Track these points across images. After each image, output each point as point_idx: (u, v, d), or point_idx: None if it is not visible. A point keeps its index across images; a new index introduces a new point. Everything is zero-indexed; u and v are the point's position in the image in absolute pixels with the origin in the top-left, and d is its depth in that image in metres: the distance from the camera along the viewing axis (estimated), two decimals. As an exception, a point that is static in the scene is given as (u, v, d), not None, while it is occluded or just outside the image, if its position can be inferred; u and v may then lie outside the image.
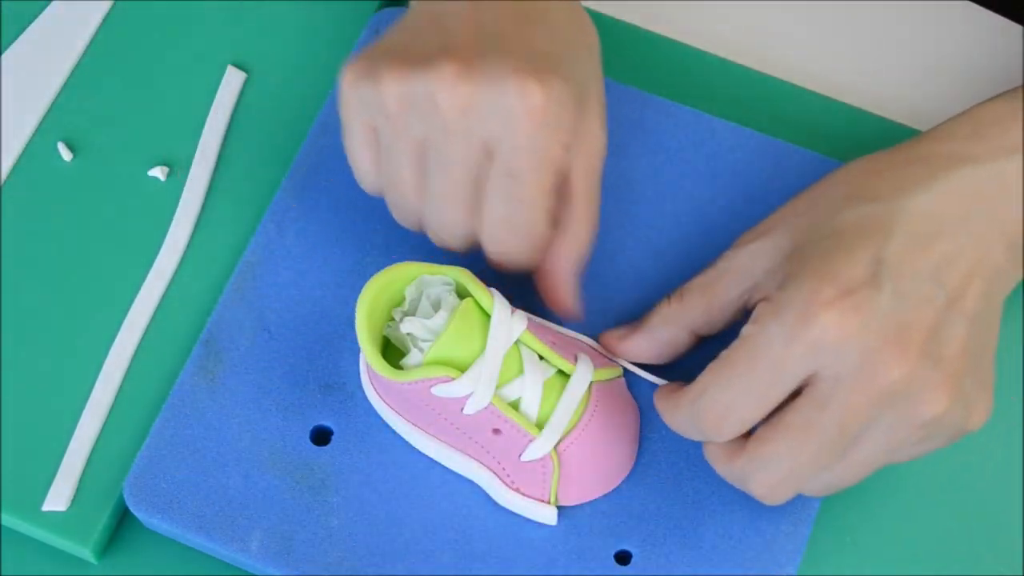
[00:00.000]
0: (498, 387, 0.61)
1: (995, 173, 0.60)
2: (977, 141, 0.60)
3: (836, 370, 0.56)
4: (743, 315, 0.62)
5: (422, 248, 0.69)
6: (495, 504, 0.64)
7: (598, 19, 0.76)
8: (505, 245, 0.63)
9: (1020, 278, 0.61)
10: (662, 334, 0.64)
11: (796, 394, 0.58)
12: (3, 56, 0.75)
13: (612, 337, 0.65)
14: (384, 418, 0.65)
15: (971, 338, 0.58)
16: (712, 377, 0.59)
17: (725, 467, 0.61)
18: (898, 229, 0.58)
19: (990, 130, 0.61)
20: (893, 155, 0.62)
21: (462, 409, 0.61)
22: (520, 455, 0.62)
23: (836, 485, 0.60)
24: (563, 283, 0.65)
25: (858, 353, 0.56)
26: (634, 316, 0.68)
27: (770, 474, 0.59)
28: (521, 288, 0.68)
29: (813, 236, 0.59)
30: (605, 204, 0.70)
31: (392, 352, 0.64)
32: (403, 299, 0.63)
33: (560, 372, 0.63)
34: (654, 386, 0.66)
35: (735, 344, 0.58)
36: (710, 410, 0.59)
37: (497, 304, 0.62)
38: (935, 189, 0.59)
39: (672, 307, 0.64)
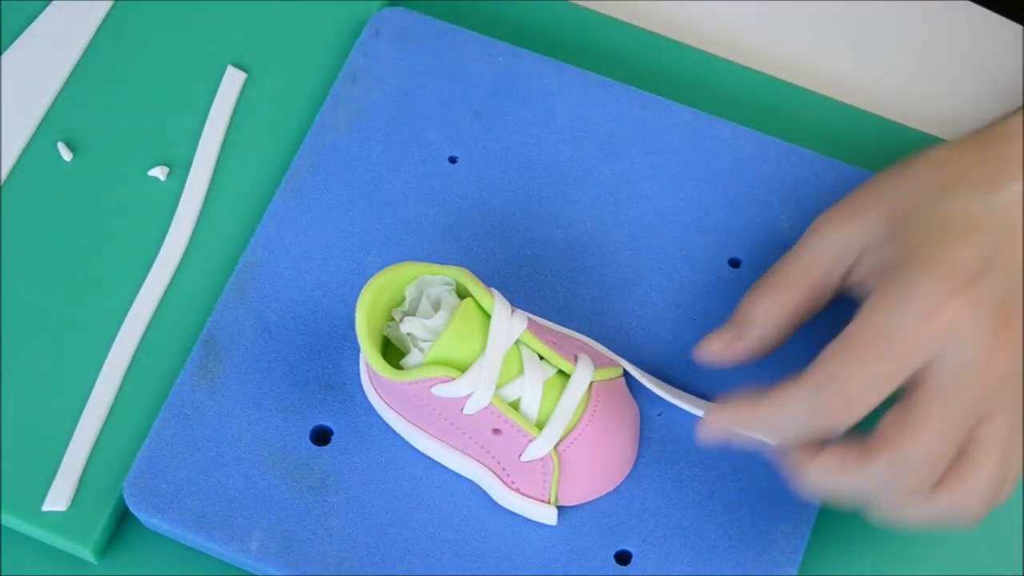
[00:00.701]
0: (498, 387, 0.61)
1: None
2: None
3: (957, 358, 0.57)
4: (838, 296, 0.62)
5: (422, 248, 0.69)
6: (495, 504, 0.64)
7: (597, 18, 0.76)
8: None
9: None
10: (770, 330, 0.63)
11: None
12: (3, 56, 0.75)
13: (711, 348, 0.63)
14: (384, 418, 0.65)
15: None
16: (833, 367, 0.57)
17: (856, 476, 0.58)
18: (997, 220, 0.59)
19: None
20: (973, 151, 0.61)
21: (462, 409, 0.61)
22: (520, 455, 0.62)
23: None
24: None
25: (976, 341, 0.57)
26: (633, 315, 0.68)
27: (916, 472, 0.58)
28: (521, 288, 0.69)
29: (915, 222, 0.59)
30: (605, 204, 0.70)
31: (392, 352, 0.64)
32: (403, 299, 0.63)
33: (560, 372, 0.63)
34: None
35: (853, 332, 0.58)
36: (837, 400, 0.57)
37: (497, 304, 0.62)
38: (1020, 188, 0.60)
39: (776, 299, 0.62)
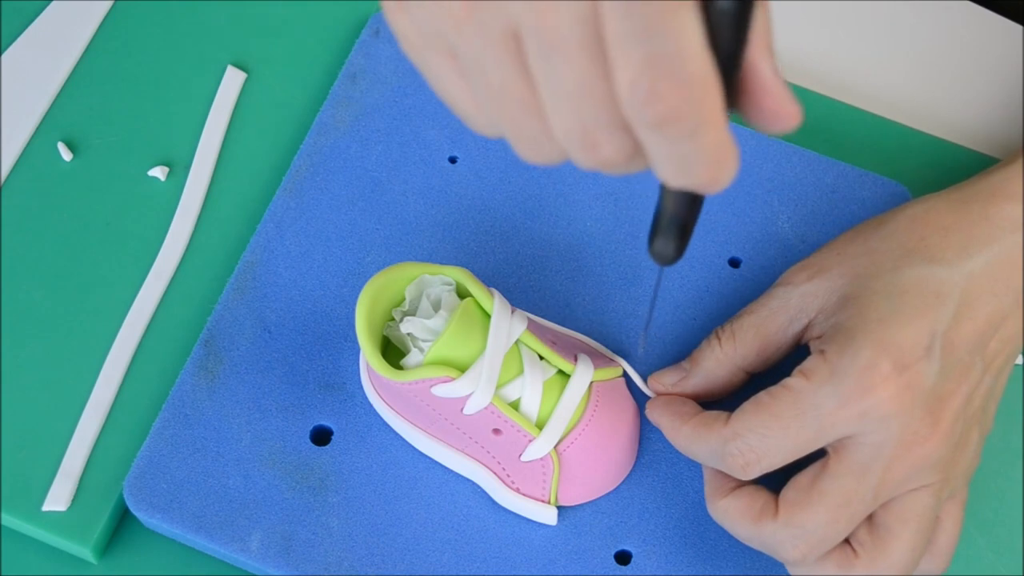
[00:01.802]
0: (498, 387, 0.61)
1: None
2: None
3: (878, 438, 0.57)
4: (794, 350, 0.63)
5: (422, 248, 0.69)
6: (495, 504, 0.64)
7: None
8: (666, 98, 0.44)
9: None
10: (717, 376, 0.64)
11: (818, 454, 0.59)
12: (3, 56, 0.75)
13: (662, 381, 0.64)
14: (384, 418, 0.65)
15: (993, 389, 0.61)
16: (751, 422, 0.58)
17: (750, 529, 0.59)
18: (955, 296, 0.59)
19: None
20: (952, 209, 0.61)
21: (462, 409, 0.61)
22: (520, 455, 0.62)
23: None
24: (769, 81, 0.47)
25: (901, 425, 0.57)
26: (633, 315, 0.68)
27: (806, 542, 0.58)
28: (521, 288, 0.69)
29: (871, 287, 0.59)
30: (605, 204, 0.70)
31: (392, 352, 0.64)
32: (403, 299, 0.63)
33: (560, 372, 0.63)
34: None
35: (780, 393, 0.58)
36: (743, 454, 0.58)
37: (497, 304, 0.62)
38: (993, 253, 0.60)
39: (724, 349, 0.63)
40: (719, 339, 0.63)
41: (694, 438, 0.61)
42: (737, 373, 0.64)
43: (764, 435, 0.58)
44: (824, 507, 0.58)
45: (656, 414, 0.63)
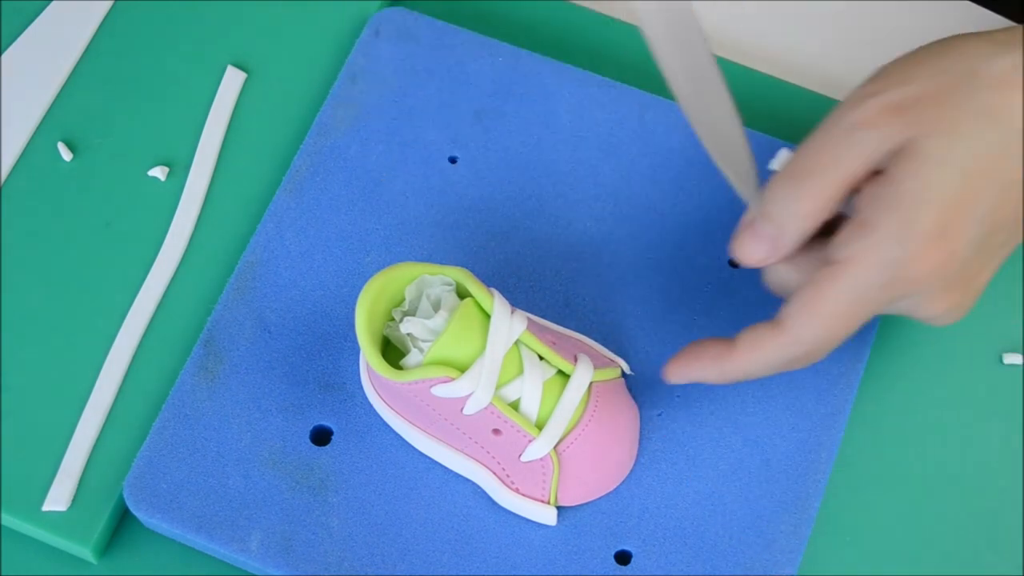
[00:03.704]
0: (498, 387, 0.61)
1: None
2: None
3: (903, 298, 0.59)
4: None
5: (422, 248, 0.69)
6: (495, 504, 0.64)
7: (597, 18, 0.76)
8: None
9: None
10: (795, 234, 0.60)
11: None
12: (3, 56, 0.75)
13: (759, 249, 0.60)
14: (384, 418, 0.65)
15: (997, 263, 0.61)
16: (808, 325, 0.59)
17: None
18: (1008, 169, 0.58)
19: None
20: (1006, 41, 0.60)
21: (462, 409, 0.61)
22: (520, 455, 0.62)
23: None
24: None
25: (925, 295, 0.59)
26: (633, 315, 0.68)
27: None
28: (521, 288, 0.69)
29: (945, 156, 0.57)
30: (605, 204, 0.70)
31: (392, 352, 0.64)
32: (403, 299, 0.63)
33: (560, 372, 0.63)
34: (655, 388, 0.66)
35: (828, 289, 0.58)
36: (811, 355, 0.60)
37: (497, 304, 0.62)
38: None
39: (808, 203, 0.59)
40: (801, 196, 0.59)
41: (752, 363, 0.60)
42: (822, 220, 0.60)
43: (825, 332, 0.59)
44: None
45: (688, 369, 0.62)
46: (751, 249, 0.60)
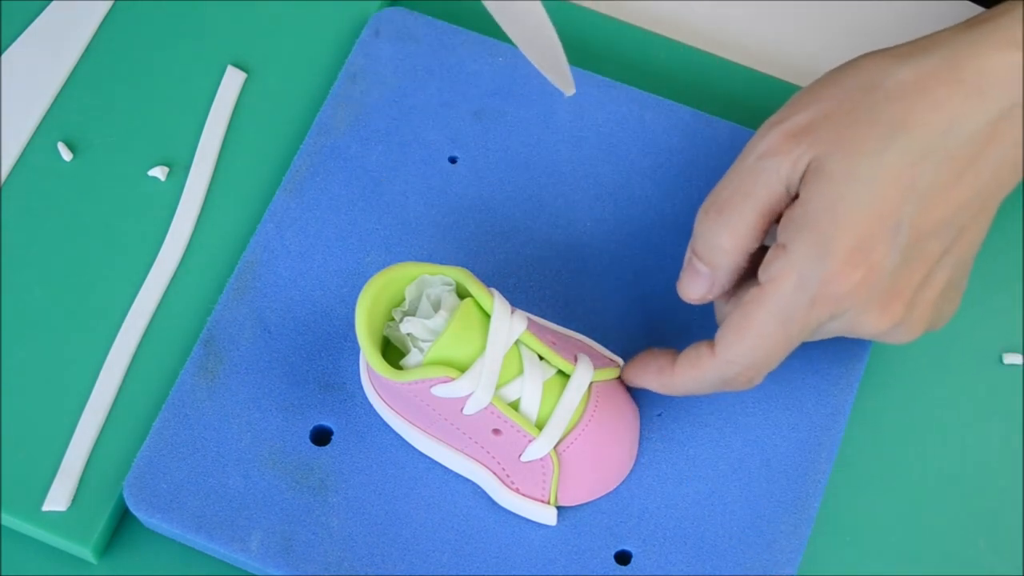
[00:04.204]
0: (498, 387, 0.61)
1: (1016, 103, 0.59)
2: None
3: (833, 322, 0.60)
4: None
5: (422, 248, 0.69)
6: (495, 504, 0.64)
7: (597, 18, 0.76)
8: None
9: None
10: (740, 267, 0.61)
11: None
12: (3, 56, 0.75)
13: (697, 290, 0.62)
14: (384, 418, 0.65)
15: (955, 272, 0.61)
16: (738, 347, 0.60)
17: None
18: (932, 177, 0.58)
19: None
20: (945, 69, 0.59)
21: (462, 409, 0.61)
22: (520, 455, 0.62)
23: None
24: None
25: (855, 313, 0.59)
26: (634, 315, 0.68)
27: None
28: (521, 288, 0.69)
29: (853, 169, 0.58)
30: (605, 204, 0.70)
31: (392, 352, 0.64)
32: (403, 299, 0.63)
33: (560, 372, 0.63)
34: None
35: (753, 311, 0.59)
36: (744, 374, 0.60)
37: (497, 304, 0.62)
38: (980, 122, 0.58)
39: (730, 243, 0.60)
40: (721, 239, 0.60)
41: (688, 380, 0.62)
42: (751, 251, 0.61)
43: (753, 352, 0.59)
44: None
45: (636, 376, 0.64)
46: (691, 288, 0.62)
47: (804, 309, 0.58)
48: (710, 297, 0.62)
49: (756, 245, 0.61)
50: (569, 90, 0.61)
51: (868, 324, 0.60)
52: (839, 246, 0.58)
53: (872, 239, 0.58)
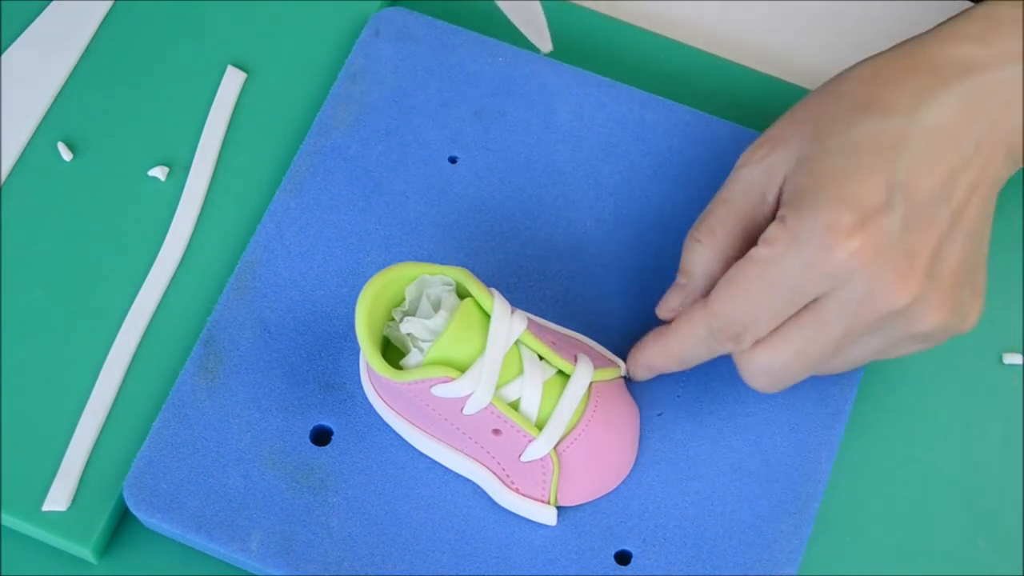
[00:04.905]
0: (498, 387, 0.61)
1: (1001, 80, 0.60)
2: (985, 45, 0.61)
3: (845, 295, 0.58)
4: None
5: (422, 248, 0.69)
6: (495, 504, 0.64)
7: (597, 18, 0.76)
8: None
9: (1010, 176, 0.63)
10: (715, 274, 0.63)
11: None
12: (3, 56, 0.75)
13: (669, 305, 0.64)
14: (384, 418, 0.65)
15: (969, 250, 0.60)
16: (727, 300, 0.60)
17: (730, 354, 0.62)
18: (911, 145, 0.59)
19: (998, 33, 0.61)
20: (900, 60, 0.61)
21: (462, 409, 0.61)
22: (520, 455, 0.62)
23: (825, 372, 0.63)
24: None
25: (868, 281, 0.58)
26: (634, 316, 0.68)
27: (770, 377, 0.61)
28: (521, 288, 0.69)
29: (825, 146, 0.60)
30: (605, 204, 0.70)
31: (392, 352, 0.64)
32: (403, 299, 0.63)
33: (560, 372, 0.63)
34: (655, 388, 0.66)
35: (746, 267, 0.59)
36: (730, 326, 0.60)
37: (497, 304, 0.62)
38: (946, 101, 0.59)
39: (708, 246, 0.63)
40: (699, 240, 0.63)
41: (683, 339, 0.62)
42: (723, 265, 0.63)
43: (743, 307, 0.60)
44: (786, 351, 0.60)
45: (642, 358, 0.64)
46: (666, 300, 0.64)
47: (797, 271, 0.58)
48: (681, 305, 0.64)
49: (734, 254, 0.62)
50: (545, 47, 0.62)
51: (890, 296, 0.58)
52: (831, 212, 0.58)
53: (865, 201, 0.58)
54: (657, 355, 0.64)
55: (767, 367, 0.61)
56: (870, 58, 0.62)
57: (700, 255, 0.63)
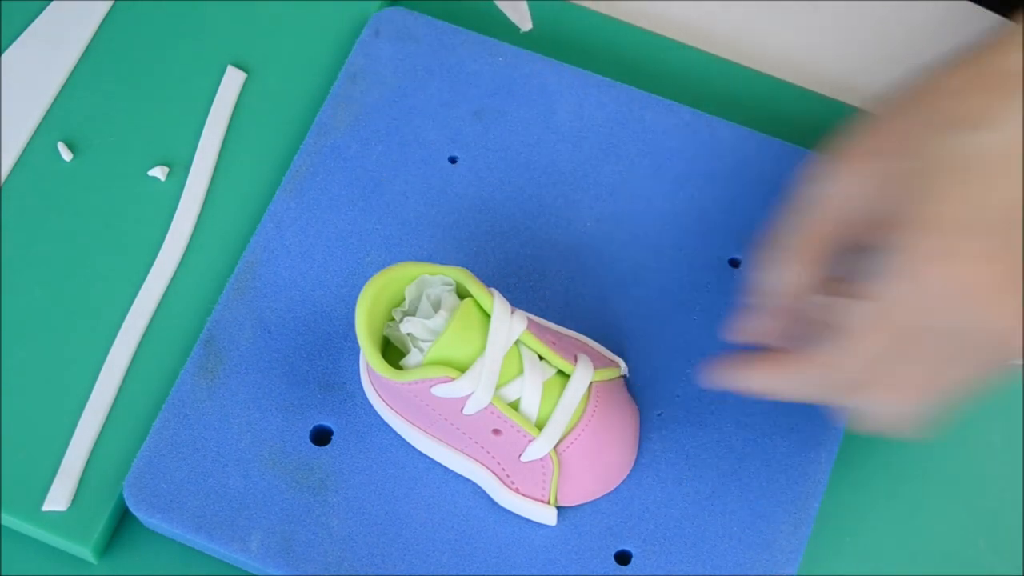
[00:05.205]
0: (498, 387, 0.61)
1: None
2: None
3: (968, 324, 0.56)
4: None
5: (422, 248, 0.69)
6: (495, 504, 0.64)
7: (597, 18, 0.76)
8: None
9: None
10: (779, 298, 0.60)
11: None
12: (3, 56, 0.75)
13: (760, 328, 0.61)
14: (384, 418, 0.65)
15: None
16: (844, 348, 0.57)
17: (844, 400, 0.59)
18: (1001, 163, 0.56)
19: None
20: (969, 71, 0.58)
21: (462, 409, 0.61)
22: (520, 455, 0.62)
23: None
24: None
25: (984, 309, 0.55)
26: (633, 315, 0.68)
27: (911, 421, 0.58)
28: (521, 288, 0.69)
29: (918, 166, 0.56)
30: (605, 204, 0.70)
31: (392, 352, 0.64)
32: (403, 299, 0.63)
33: (560, 372, 0.63)
34: (655, 388, 0.66)
35: (858, 317, 0.56)
36: (849, 378, 0.57)
37: (497, 304, 0.62)
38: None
39: (785, 265, 0.59)
40: (778, 259, 0.60)
41: (790, 380, 0.59)
42: (814, 288, 0.60)
43: (855, 362, 0.57)
44: (915, 394, 0.58)
45: (744, 380, 0.60)
46: (741, 321, 0.61)
47: (923, 306, 0.55)
48: (763, 331, 0.61)
49: (814, 273, 0.59)
50: (525, 25, 0.61)
51: (1005, 321, 0.55)
52: (951, 238, 0.55)
53: (1005, 225, 0.55)
54: (758, 382, 0.60)
55: (904, 413, 0.58)
56: (935, 69, 0.59)
57: (779, 276, 0.60)
